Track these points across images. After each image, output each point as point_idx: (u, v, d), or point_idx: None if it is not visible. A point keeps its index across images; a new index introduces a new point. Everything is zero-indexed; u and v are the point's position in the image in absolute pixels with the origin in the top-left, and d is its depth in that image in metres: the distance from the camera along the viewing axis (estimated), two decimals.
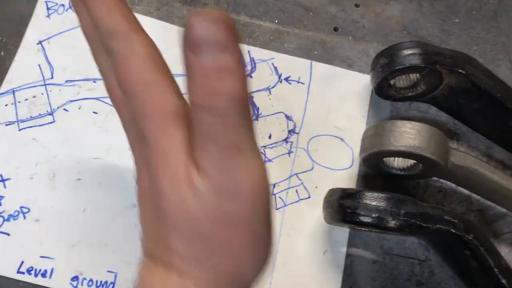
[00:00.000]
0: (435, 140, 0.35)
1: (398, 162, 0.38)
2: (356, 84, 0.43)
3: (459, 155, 0.36)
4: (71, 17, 0.42)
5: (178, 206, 0.20)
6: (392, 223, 0.31)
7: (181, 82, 0.20)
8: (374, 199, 0.32)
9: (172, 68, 0.39)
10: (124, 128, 0.25)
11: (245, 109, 0.19)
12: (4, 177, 0.37)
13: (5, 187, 0.37)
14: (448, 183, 0.41)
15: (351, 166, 0.41)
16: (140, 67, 0.21)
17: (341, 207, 0.33)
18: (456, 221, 0.32)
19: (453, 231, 0.32)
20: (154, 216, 0.21)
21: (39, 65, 0.41)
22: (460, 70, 0.37)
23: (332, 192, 0.35)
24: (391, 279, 0.38)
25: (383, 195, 0.32)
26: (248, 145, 0.19)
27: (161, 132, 0.20)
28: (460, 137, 0.43)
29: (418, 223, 0.31)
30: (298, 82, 0.43)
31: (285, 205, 0.39)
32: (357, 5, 0.46)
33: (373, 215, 0.31)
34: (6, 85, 0.40)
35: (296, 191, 0.39)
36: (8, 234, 0.36)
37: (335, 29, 0.45)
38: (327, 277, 0.37)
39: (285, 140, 0.41)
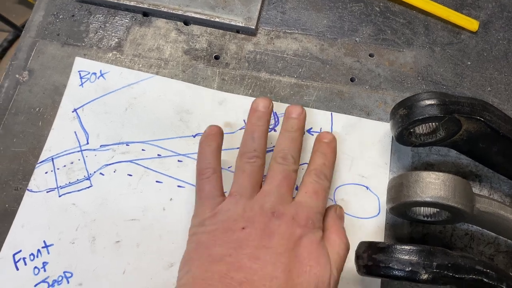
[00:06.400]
0: (460, 189, 0.36)
1: (424, 210, 0.39)
2: (376, 132, 0.45)
3: (484, 201, 0.37)
4: (103, 85, 0.45)
5: None
6: (425, 276, 0.32)
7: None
8: (406, 253, 0.33)
9: (199, 124, 0.43)
10: None
11: None
12: (48, 243, 0.39)
13: (48, 253, 0.39)
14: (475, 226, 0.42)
15: (378, 213, 0.42)
16: None
17: (374, 261, 0.34)
18: (488, 270, 0.33)
19: (486, 280, 0.33)
20: None
21: (75, 132, 0.43)
22: (478, 117, 0.39)
23: (363, 246, 0.36)
24: None
25: (414, 248, 0.33)
26: None
27: None
28: (482, 178, 0.44)
29: (451, 274, 0.32)
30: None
31: None
32: (371, 55, 0.48)
33: (406, 269, 0.32)
34: (46, 153, 0.42)
35: None
36: None
37: (352, 80, 0.47)
38: None
39: None
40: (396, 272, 0.33)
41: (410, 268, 0.32)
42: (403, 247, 0.33)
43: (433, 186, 0.36)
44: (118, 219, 0.40)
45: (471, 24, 0.50)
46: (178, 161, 0.43)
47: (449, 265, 0.32)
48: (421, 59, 0.49)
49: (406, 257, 0.33)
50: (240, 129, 0.44)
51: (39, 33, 0.47)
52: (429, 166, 0.44)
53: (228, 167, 0.43)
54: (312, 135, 0.45)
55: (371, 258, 0.34)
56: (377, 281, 0.39)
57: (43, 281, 0.38)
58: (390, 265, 0.33)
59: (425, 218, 0.40)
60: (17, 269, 0.38)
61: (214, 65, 0.47)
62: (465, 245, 0.41)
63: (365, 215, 0.42)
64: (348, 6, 0.50)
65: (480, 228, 0.41)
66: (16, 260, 0.38)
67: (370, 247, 0.35)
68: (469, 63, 0.49)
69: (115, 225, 0.40)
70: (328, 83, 0.47)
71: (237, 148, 0.43)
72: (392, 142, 0.44)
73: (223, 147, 0.43)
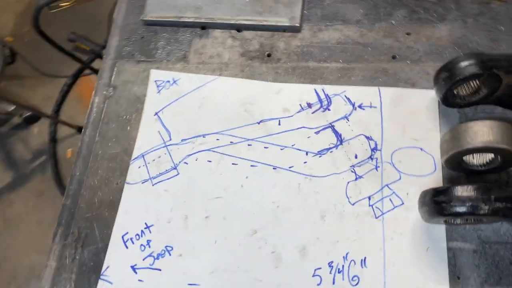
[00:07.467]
0: (507, 133, 0.39)
1: (477, 159, 0.43)
2: (423, 99, 0.49)
3: None
4: (176, 90, 0.52)
5: None
6: (485, 208, 0.36)
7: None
8: (464, 191, 0.37)
9: (261, 112, 0.48)
10: None
11: None
12: (148, 224, 0.46)
13: (150, 232, 0.46)
14: None
15: (435, 171, 0.46)
16: None
17: (436, 203, 0.38)
18: None
19: None
20: None
21: (159, 131, 0.50)
22: None
23: (424, 193, 0.40)
24: (494, 265, 0.42)
25: (471, 185, 0.37)
26: None
27: None
28: None
29: (509, 205, 0.36)
30: (371, 107, 0.50)
31: (383, 214, 0.44)
32: (408, 34, 0.53)
33: (467, 204, 0.36)
34: (136, 151, 0.50)
35: (390, 200, 0.45)
36: (160, 270, 0.44)
37: (393, 57, 0.52)
38: (434, 271, 0.41)
39: (370, 157, 0.47)
40: (458, 208, 0.37)
41: (470, 203, 0.36)
42: (461, 186, 0.37)
43: (481, 132, 0.40)
44: (204, 198, 0.47)
45: None
46: (248, 145, 0.49)
47: (507, 197, 0.36)
48: (456, 31, 0.53)
49: (465, 194, 0.37)
50: (297, 112, 0.50)
51: (117, 55, 0.56)
52: None
53: (292, 145, 0.48)
54: (364, 109, 0.50)
55: (433, 201, 0.38)
56: (442, 228, 0.43)
57: (149, 255, 0.44)
58: (451, 203, 0.37)
59: (479, 168, 0.43)
60: (127, 247, 0.45)
61: (268, 62, 0.53)
62: None
63: (423, 173, 0.46)
64: None
65: None
66: (125, 240, 0.45)
67: (430, 192, 0.39)
68: (502, 28, 0.53)
69: (203, 204, 0.46)
70: (372, 63, 0.52)
71: (297, 128, 0.49)
72: (439, 106, 0.49)
73: (284, 129, 0.48)
